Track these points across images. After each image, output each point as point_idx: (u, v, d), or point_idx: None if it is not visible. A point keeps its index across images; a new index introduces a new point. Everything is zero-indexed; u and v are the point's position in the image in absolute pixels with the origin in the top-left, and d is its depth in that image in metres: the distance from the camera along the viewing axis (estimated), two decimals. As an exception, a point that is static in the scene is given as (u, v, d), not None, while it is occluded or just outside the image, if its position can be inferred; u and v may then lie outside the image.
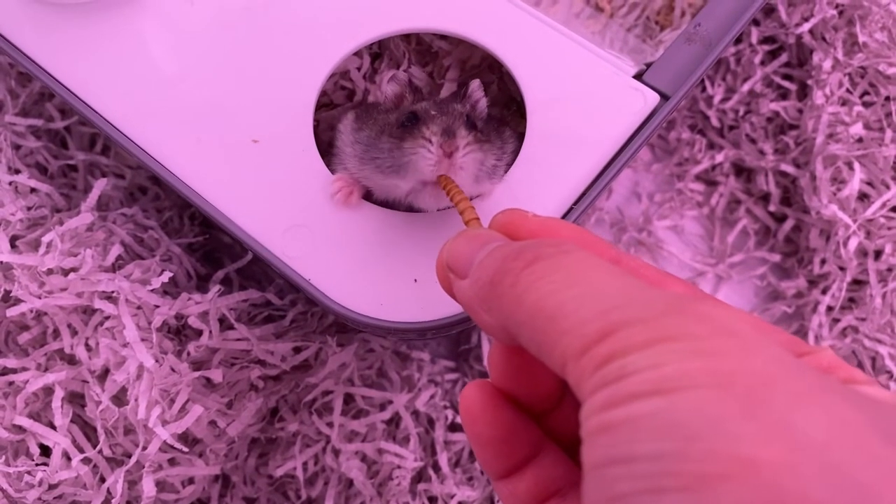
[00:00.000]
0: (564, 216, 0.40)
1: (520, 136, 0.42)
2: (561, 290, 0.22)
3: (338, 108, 0.50)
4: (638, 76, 0.44)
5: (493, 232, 0.29)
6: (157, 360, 0.44)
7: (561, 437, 0.29)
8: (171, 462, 0.47)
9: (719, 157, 0.64)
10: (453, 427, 0.54)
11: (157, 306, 0.46)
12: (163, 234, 0.52)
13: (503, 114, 0.51)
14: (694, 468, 0.17)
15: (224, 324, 0.48)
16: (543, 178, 0.41)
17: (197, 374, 0.45)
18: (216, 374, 0.46)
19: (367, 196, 0.42)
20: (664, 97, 0.43)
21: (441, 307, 0.39)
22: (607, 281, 0.22)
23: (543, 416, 0.29)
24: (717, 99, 0.65)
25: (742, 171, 0.65)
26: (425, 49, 0.52)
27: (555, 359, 0.22)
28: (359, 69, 0.50)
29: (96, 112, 0.43)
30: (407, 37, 0.51)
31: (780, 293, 0.61)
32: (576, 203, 0.40)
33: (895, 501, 0.17)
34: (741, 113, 0.65)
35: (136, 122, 0.42)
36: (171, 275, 0.45)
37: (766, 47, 0.65)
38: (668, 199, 0.65)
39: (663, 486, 0.17)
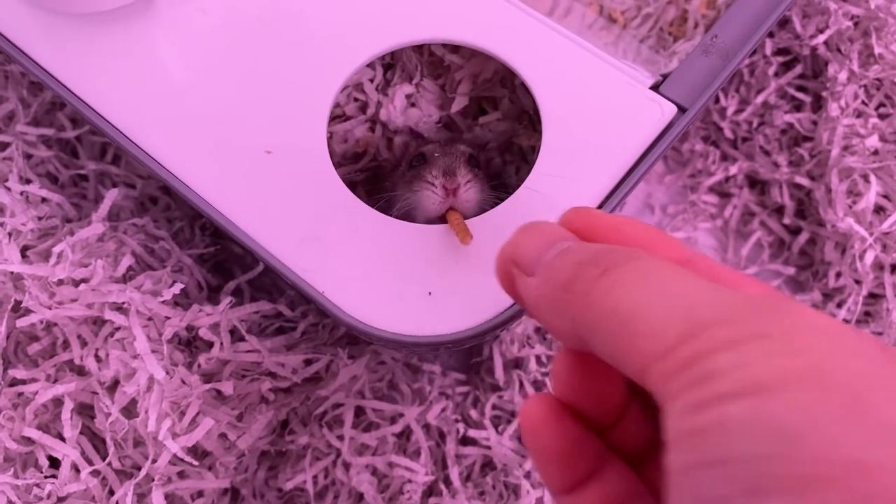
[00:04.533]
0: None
1: (531, 150, 0.42)
2: (637, 295, 0.22)
3: (350, 119, 0.50)
4: (654, 87, 0.44)
5: (562, 229, 0.28)
6: (167, 373, 0.44)
7: (624, 450, 0.29)
8: (181, 475, 0.46)
9: (733, 169, 0.64)
10: (465, 441, 0.54)
11: (168, 318, 0.46)
12: (174, 244, 0.52)
13: (515, 128, 0.50)
14: (796, 470, 0.17)
15: (235, 335, 0.48)
16: (558, 191, 0.41)
17: (207, 386, 0.45)
18: (227, 387, 0.45)
19: (386, 209, 0.43)
20: (681, 109, 0.42)
21: (456, 321, 0.38)
22: (685, 284, 0.22)
23: (606, 430, 0.29)
24: (730, 110, 0.64)
25: (756, 184, 0.65)
26: (437, 61, 0.52)
27: (632, 363, 0.21)
28: (372, 81, 0.50)
29: (109, 122, 0.43)
30: (419, 49, 0.51)
31: (795, 307, 0.60)
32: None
33: None
34: (755, 125, 0.64)
35: (149, 132, 0.42)
36: (182, 286, 0.44)
37: (781, 59, 0.65)
38: (682, 211, 0.64)
39: (763, 486, 0.17)
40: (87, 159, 0.59)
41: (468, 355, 0.58)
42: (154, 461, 0.44)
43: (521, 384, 0.55)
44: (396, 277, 0.39)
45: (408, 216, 0.44)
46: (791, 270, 0.61)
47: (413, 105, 0.50)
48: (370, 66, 0.49)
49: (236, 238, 0.39)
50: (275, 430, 0.51)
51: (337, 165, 0.48)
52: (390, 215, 0.42)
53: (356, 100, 0.50)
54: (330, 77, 0.43)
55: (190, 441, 0.43)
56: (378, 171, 0.52)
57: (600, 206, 0.41)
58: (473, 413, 0.55)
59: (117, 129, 0.42)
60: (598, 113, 0.42)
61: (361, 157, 0.51)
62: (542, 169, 0.41)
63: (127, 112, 0.43)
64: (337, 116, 0.50)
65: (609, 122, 0.42)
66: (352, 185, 0.48)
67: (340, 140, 0.50)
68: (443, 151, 0.47)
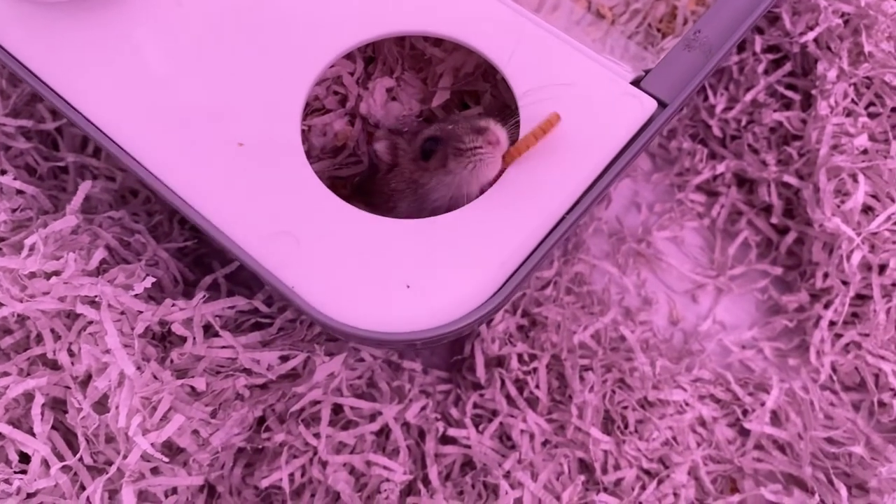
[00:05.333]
0: (557, 225, 0.39)
1: (512, 143, 0.41)
2: None
3: (330, 113, 0.49)
4: (636, 83, 0.43)
5: None
6: (138, 368, 0.43)
7: None
8: (154, 471, 0.46)
9: (721, 168, 0.63)
10: (445, 439, 0.53)
11: (141, 312, 0.45)
12: (150, 238, 0.51)
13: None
14: None
15: (209, 331, 0.47)
16: (536, 185, 0.40)
17: (180, 382, 0.44)
18: (199, 383, 0.45)
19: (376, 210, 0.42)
20: (662, 104, 0.42)
21: (435, 315, 0.37)
22: None
23: None
24: (719, 108, 0.64)
25: (744, 182, 0.64)
26: (419, 54, 0.51)
27: None
28: (352, 73, 0.49)
29: (77, 111, 0.42)
30: (401, 41, 0.50)
31: (782, 307, 0.60)
32: (569, 211, 0.39)
33: None
34: (744, 123, 0.64)
35: (119, 122, 0.41)
36: (154, 280, 0.44)
37: (770, 56, 0.64)
38: (669, 210, 0.64)
39: None
40: (66, 151, 0.58)
41: (450, 352, 0.57)
42: (125, 457, 0.43)
43: (503, 382, 0.55)
44: (372, 271, 0.38)
45: (452, 202, 0.43)
46: (778, 270, 0.61)
47: (394, 99, 0.49)
48: (350, 58, 0.48)
49: (206, 232, 0.38)
50: (251, 426, 0.50)
51: (316, 159, 0.48)
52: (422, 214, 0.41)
53: (336, 93, 0.49)
54: (305, 68, 0.42)
55: (160, 437, 0.43)
56: (368, 182, 0.50)
57: (578, 202, 0.40)
58: (454, 411, 0.54)
59: (85, 117, 0.42)
60: (577, 107, 0.41)
61: (341, 151, 0.50)
62: (520, 163, 0.40)
63: (97, 101, 0.42)
64: (316, 109, 0.50)
65: (588, 117, 0.41)
66: (332, 182, 0.47)
67: (319, 133, 0.49)
68: (452, 122, 0.46)
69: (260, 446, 0.51)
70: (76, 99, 0.42)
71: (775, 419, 0.55)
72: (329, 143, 0.50)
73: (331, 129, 0.49)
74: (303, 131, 0.49)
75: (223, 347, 0.46)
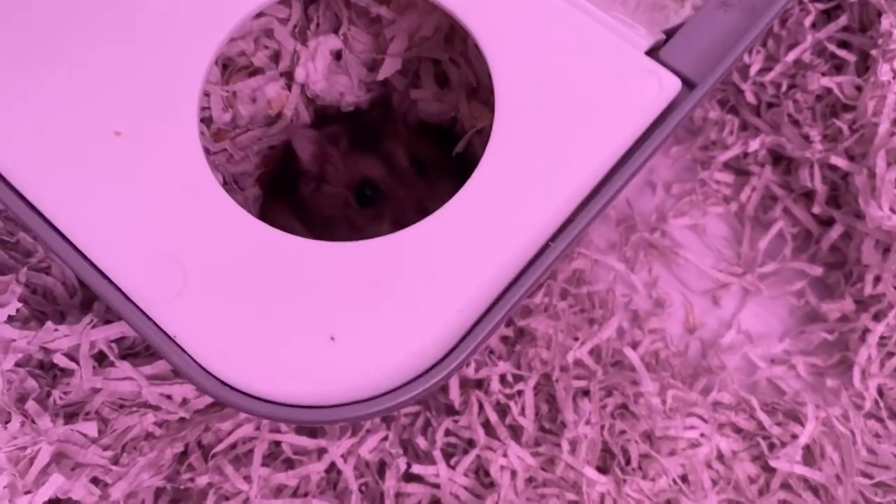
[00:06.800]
0: (540, 254, 0.29)
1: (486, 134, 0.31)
2: None
3: (260, 76, 0.39)
4: (653, 51, 0.32)
5: None
6: (8, 413, 0.34)
7: None
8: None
9: (754, 143, 0.53)
10: (409, 477, 0.44)
11: (13, 340, 0.36)
12: (43, 235, 0.41)
13: (461, 102, 0.40)
14: None
15: (107, 360, 0.38)
16: (516, 193, 0.30)
17: (62, 428, 0.35)
18: (89, 428, 0.36)
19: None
20: (689, 84, 0.31)
21: (366, 382, 0.27)
22: None
23: None
24: (754, 70, 0.54)
25: (781, 161, 0.54)
26: (362, 11, 0.40)
27: None
28: (285, 22, 0.38)
29: None
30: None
31: (821, 315, 0.51)
32: (555, 237, 0.29)
33: None
34: (784, 88, 0.54)
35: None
36: (19, 305, 0.34)
37: (821, 6, 0.53)
38: (689, 192, 0.54)
39: None
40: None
41: (419, 368, 0.48)
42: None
43: (481, 407, 0.46)
44: (285, 316, 0.28)
45: None
46: (818, 270, 0.51)
47: (339, 59, 0.38)
48: (284, 2, 0.37)
49: (54, 251, 0.28)
50: (171, 463, 0.42)
51: (244, 130, 0.38)
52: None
53: (266, 47, 0.39)
54: (207, 29, 0.31)
55: (34, 502, 0.34)
56: (282, 182, 0.44)
57: (568, 222, 0.30)
58: (422, 441, 0.45)
59: None
60: (574, 87, 0.31)
61: (275, 121, 0.40)
62: (490, 163, 0.30)
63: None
64: (243, 67, 0.39)
65: (587, 103, 0.30)
66: (264, 158, 0.38)
67: (247, 100, 0.39)
68: (396, 177, 0.41)
69: (184, 487, 0.42)
70: None
71: (808, 454, 0.46)
72: (261, 112, 0.40)
73: (262, 96, 0.39)
74: (225, 97, 0.39)
75: (123, 379, 0.37)
